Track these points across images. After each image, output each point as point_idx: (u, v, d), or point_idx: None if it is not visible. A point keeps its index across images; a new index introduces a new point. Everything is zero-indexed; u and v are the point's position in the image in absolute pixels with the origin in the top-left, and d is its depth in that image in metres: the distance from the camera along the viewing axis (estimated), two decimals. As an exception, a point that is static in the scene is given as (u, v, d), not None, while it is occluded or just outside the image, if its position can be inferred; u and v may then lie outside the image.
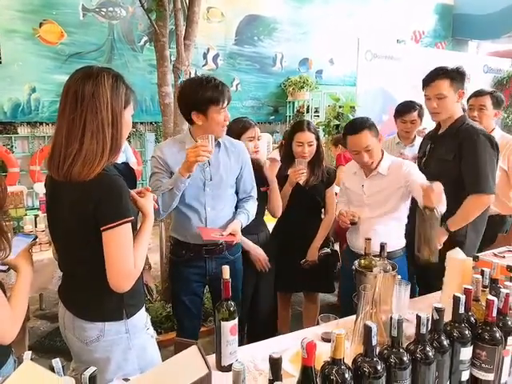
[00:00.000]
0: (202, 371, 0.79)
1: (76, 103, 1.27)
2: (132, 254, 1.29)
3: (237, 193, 2.12)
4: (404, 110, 3.10)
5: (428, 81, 2.19)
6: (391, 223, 2.13)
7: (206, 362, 0.84)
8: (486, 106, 2.69)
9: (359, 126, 2.05)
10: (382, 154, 2.14)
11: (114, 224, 1.24)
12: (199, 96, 1.82)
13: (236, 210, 2.10)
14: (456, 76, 2.15)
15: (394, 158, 2.19)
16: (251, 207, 2.10)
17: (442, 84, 2.13)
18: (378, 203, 2.11)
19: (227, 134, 2.37)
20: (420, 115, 3.10)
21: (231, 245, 2.05)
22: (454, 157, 2.14)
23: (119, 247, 1.26)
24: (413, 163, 2.16)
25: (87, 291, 1.36)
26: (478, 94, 2.76)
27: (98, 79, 1.27)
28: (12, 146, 5.48)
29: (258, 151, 2.42)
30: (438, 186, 1.71)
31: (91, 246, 1.29)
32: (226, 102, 1.86)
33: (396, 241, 2.12)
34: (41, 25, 5.47)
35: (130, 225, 1.28)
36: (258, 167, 2.49)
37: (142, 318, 1.44)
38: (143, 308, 1.47)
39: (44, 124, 5.65)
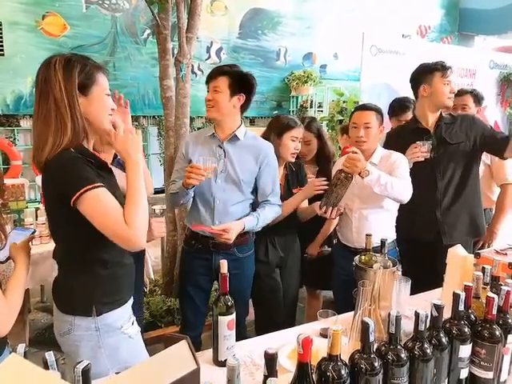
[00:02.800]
0: (190, 366, 0.78)
1: (36, 94, 1.28)
2: (119, 213, 1.21)
3: (256, 194, 2.08)
4: (399, 110, 3.02)
5: (448, 67, 2.27)
6: (381, 215, 2.15)
7: (194, 358, 0.83)
8: (469, 105, 2.80)
9: (370, 106, 2.17)
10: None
11: (79, 193, 1.18)
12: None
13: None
14: None
15: (386, 150, 2.19)
16: (265, 213, 2.03)
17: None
18: (369, 194, 2.10)
19: (267, 129, 2.31)
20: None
21: (241, 242, 2.02)
22: (481, 135, 2.24)
23: (97, 211, 1.21)
24: (403, 156, 2.13)
25: (62, 281, 1.37)
26: (460, 93, 2.82)
27: (51, 64, 1.25)
28: (15, 139, 5.50)
29: (296, 154, 2.28)
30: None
31: (62, 230, 1.33)
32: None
33: (386, 233, 2.10)
34: (43, 17, 5.45)
35: (100, 190, 1.21)
36: (296, 167, 2.38)
37: (118, 317, 1.37)
38: (122, 308, 1.39)
39: (47, 117, 5.65)
